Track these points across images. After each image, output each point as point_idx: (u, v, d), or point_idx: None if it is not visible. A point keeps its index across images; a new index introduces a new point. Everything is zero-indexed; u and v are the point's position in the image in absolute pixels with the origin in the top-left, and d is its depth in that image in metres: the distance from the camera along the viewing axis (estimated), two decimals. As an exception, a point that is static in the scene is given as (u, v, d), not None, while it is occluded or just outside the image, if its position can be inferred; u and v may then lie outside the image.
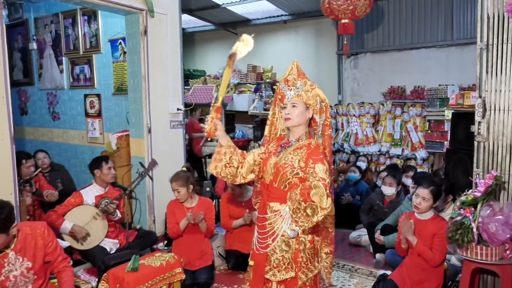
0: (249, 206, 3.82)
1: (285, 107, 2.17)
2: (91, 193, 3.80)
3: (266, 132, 2.37)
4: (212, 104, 2.13)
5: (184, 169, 3.84)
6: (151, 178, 4.45)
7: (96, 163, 3.85)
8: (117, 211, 3.81)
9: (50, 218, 3.52)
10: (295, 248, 2.14)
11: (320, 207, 1.94)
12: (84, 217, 3.63)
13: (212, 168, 2.20)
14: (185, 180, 3.56)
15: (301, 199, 1.98)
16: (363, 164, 6.05)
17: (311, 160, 2.06)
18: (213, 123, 2.13)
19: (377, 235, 3.94)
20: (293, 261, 2.15)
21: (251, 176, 2.27)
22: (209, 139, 2.20)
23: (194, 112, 7.37)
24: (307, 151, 2.10)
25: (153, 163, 4.39)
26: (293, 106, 2.14)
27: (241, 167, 2.22)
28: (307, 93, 2.15)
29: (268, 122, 2.36)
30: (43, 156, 4.65)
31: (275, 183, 2.16)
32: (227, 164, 2.18)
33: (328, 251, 2.32)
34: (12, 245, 2.38)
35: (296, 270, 2.15)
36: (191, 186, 3.59)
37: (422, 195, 3.03)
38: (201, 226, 3.52)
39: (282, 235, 2.14)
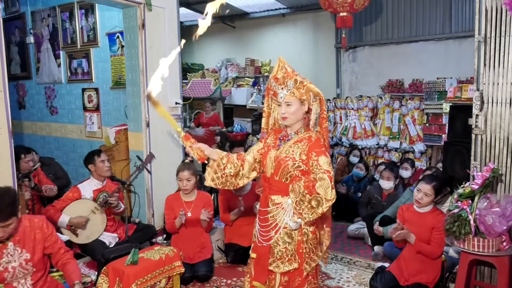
0: (248, 200, 3.84)
1: (279, 105, 2.18)
2: (88, 187, 3.80)
3: (263, 124, 2.39)
4: (179, 139, 2.15)
5: (188, 160, 3.86)
6: (149, 172, 4.45)
7: (88, 159, 3.85)
8: (120, 203, 3.83)
9: (48, 213, 3.54)
10: (298, 239, 2.17)
11: (325, 198, 1.98)
12: (83, 211, 3.63)
13: (209, 182, 2.25)
14: (195, 170, 3.62)
15: (306, 192, 2.01)
16: (354, 159, 6.01)
17: (313, 153, 2.08)
18: (195, 149, 2.14)
19: (376, 226, 3.96)
20: (296, 253, 2.18)
21: (254, 174, 2.33)
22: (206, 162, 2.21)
23: None
24: (308, 144, 2.12)
25: (151, 157, 4.39)
26: (288, 105, 2.15)
27: (242, 169, 2.26)
28: (299, 89, 2.15)
29: (264, 114, 2.37)
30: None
31: (276, 176, 2.18)
32: (222, 175, 2.22)
33: (327, 236, 2.38)
34: (11, 236, 2.40)
35: (300, 261, 2.18)
36: (198, 177, 3.65)
37: (424, 191, 3.03)
38: (203, 223, 3.54)
39: (285, 227, 2.17)
